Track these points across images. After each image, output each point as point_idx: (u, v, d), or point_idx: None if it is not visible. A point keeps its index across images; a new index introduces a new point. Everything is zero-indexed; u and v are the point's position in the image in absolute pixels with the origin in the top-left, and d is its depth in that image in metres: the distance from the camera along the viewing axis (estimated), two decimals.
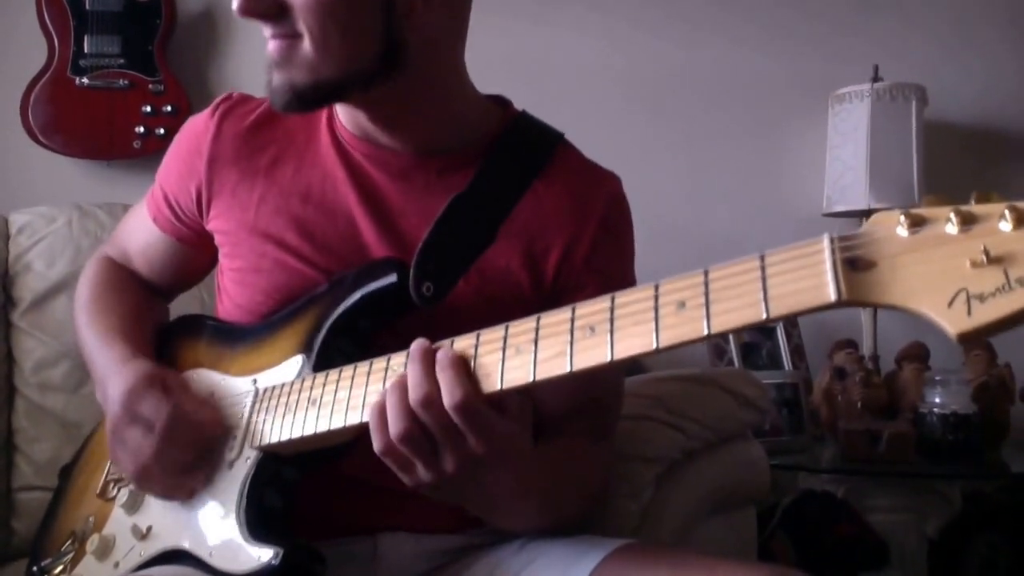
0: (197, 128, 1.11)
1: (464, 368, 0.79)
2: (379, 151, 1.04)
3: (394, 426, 0.79)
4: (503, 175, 1.04)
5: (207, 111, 1.11)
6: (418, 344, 0.82)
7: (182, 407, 0.97)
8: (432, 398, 0.78)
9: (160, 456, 0.96)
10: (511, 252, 1.03)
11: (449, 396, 0.78)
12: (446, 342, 0.82)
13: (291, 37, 0.93)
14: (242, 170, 1.07)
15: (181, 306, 1.27)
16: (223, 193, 1.08)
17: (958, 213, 0.56)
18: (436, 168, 1.04)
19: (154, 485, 0.99)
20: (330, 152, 1.06)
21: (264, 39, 0.96)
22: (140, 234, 1.21)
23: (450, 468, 0.81)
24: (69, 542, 1.09)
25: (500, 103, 1.12)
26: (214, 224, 1.10)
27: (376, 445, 0.81)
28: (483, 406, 0.78)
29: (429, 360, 0.80)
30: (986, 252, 0.54)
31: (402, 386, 0.80)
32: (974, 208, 0.56)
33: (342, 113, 1.06)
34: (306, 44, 0.93)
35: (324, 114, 1.09)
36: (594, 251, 1.05)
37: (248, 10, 0.93)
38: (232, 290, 1.09)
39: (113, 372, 1.05)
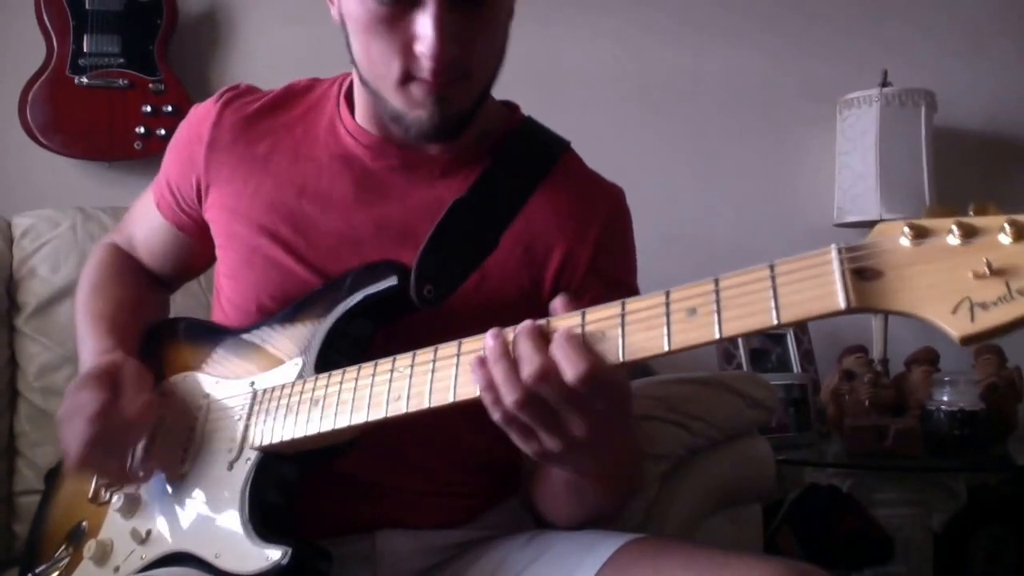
0: (200, 114, 1.12)
1: (578, 341, 0.76)
2: (387, 145, 1.04)
3: (509, 395, 0.76)
4: (507, 180, 1.04)
5: (212, 98, 1.12)
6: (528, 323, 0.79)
7: (112, 404, 0.95)
8: (548, 370, 0.75)
9: (87, 448, 0.94)
10: (512, 255, 1.03)
11: (572, 368, 0.74)
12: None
13: (463, 79, 0.95)
14: (239, 157, 1.08)
15: (184, 311, 1.27)
16: (219, 180, 1.08)
17: (960, 225, 0.59)
18: (441, 165, 1.05)
19: (95, 471, 1.02)
20: (328, 146, 1.07)
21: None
22: (144, 221, 1.22)
23: (580, 432, 0.78)
24: (63, 548, 1.07)
25: (507, 106, 1.12)
26: (210, 213, 1.10)
27: (495, 416, 0.79)
28: (608, 370, 0.75)
29: (539, 335, 0.77)
30: (988, 265, 0.57)
31: (509, 359, 0.77)
32: (974, 220, 0.60)
33: (361, 107, 1.05)
34: (475, 81, 0.97)
35: (328, 109, 1.09)
36: (596, 256, 1.05)
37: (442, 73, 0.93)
38: (226, 287, 1.09)
39: (86, 362, 1.06)
